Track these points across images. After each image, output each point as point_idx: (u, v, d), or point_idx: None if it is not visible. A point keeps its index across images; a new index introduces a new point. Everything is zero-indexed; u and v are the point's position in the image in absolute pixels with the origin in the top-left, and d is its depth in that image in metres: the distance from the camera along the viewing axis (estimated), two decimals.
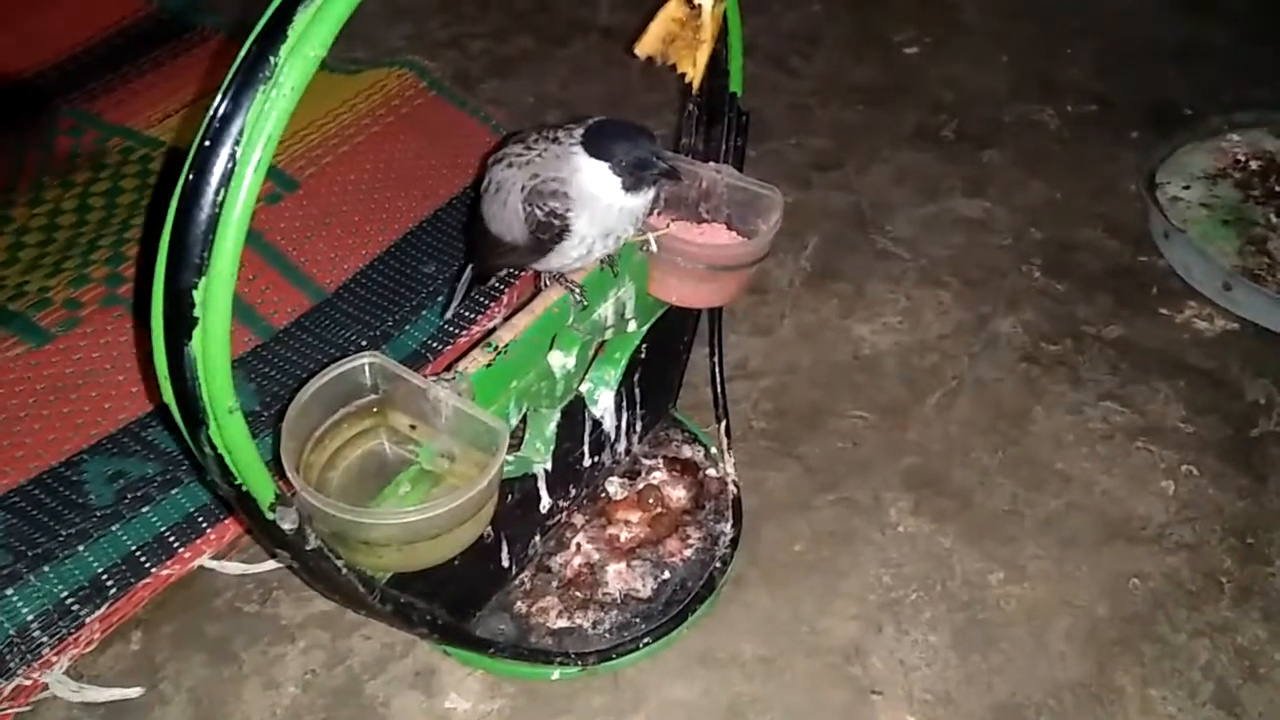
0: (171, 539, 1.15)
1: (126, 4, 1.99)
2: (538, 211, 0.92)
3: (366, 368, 0.89)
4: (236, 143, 0.60)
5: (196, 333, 0.63)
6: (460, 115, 1.79)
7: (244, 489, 0.71)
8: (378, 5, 2.17)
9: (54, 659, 1.05)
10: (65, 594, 1.09)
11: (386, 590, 0.88)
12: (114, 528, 1.15)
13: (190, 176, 0.60)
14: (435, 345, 1.41)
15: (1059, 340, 1.47)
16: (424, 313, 1.46)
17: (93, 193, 1.61)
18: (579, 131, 0.93)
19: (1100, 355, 1.45)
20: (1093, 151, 1.83)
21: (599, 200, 0.92)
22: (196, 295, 0.62)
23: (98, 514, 1.16)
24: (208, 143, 0.60)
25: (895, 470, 1.29)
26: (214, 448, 0.68)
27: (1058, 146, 1.85)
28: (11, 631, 1.05)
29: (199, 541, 1.16)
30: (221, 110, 0.60)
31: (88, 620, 1.08)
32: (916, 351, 1.45)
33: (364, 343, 1.41)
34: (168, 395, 0.67)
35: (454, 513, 0.82)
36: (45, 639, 1.05)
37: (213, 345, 0.63)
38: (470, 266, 1.15)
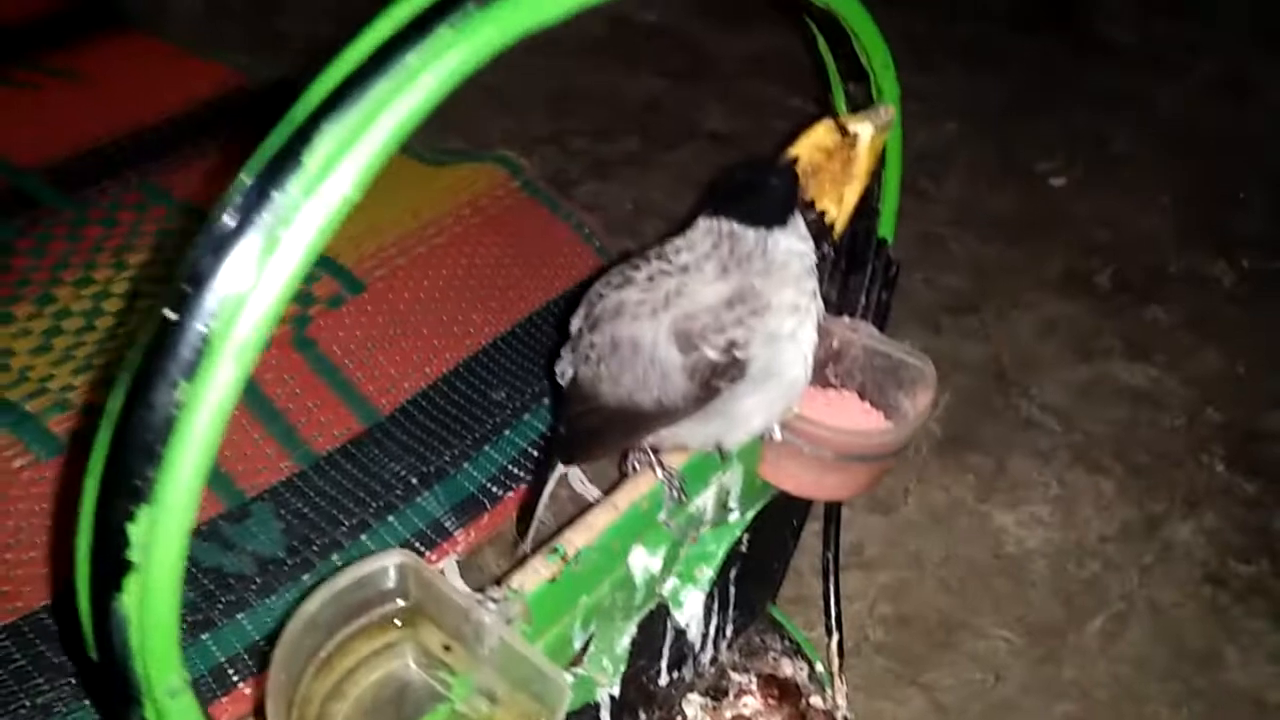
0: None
1: (217, 76, 1.89)
2: (708, 352, 0.71)
3: (393, 570, 0.69)
4: (214, 316, 0.41)
5: (130, 583, 0.43)
6: (552, 220, 1.62)
7: None
8: (479, 94, 2.05)
9: None
10: None
11: None
12: None
13: (140, 356, 0.41)
14: (495, 490, 1.21)
15: (1253, 558, 1.20)
16: (487, 448, 1.26)
17: (146, 278, 1.46)
18: (703, 235, 0.73)
19: None
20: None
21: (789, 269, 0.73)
22: (134, 532, 0.42)
23: None
24: (168, 313, 0.41)
25: (1049, 718, 1.03)
26: None
27: (1234, 309, 1.60)
28: None
29: None
30: (194, 266, 0.41)
31: None
32: (1073, 556, 1.19)
33: (414, 479, 1.21)
34: (92, 648, 0.47)
35: None
36: None
37: (156, 604, 0.43)
38: (558, 465, 0.89)
